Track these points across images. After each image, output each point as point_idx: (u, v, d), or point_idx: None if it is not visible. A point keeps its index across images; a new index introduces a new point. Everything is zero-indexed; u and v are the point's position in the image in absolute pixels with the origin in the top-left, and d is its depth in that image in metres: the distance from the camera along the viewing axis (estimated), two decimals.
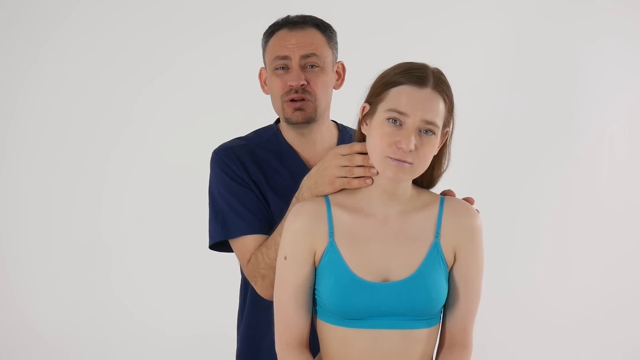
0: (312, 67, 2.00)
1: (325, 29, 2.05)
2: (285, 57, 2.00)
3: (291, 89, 1.99)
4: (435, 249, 1.71)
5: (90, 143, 3.75)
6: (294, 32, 2.01)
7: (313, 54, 2.00)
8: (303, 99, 1.99)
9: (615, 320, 4.01)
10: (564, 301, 4.00)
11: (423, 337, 1.71)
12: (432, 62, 1.70)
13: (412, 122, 1.63)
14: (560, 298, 3.99)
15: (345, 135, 2.12)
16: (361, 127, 1.73)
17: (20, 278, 3.77)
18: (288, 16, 2.06)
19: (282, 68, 2.01)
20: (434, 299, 1.69)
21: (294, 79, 1.99)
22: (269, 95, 2.08)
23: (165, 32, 3.72)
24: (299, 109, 2.00)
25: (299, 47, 1.99)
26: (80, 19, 3.69)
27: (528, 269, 3.97)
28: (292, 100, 2.00)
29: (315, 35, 2.02)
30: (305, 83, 1.99)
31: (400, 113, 1.63)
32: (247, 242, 1.97)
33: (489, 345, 3.41)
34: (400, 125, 1.63)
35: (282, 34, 2.02)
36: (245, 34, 3.66)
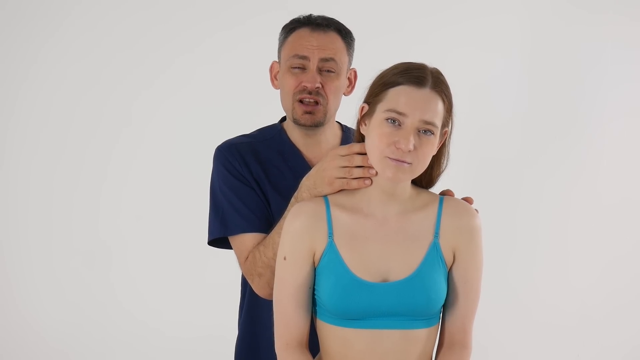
0: (328, 71, 2.00)
1: (346, 35, 2.05)
2: (304, 57, 1.99)
3: (304, 89, 1.99)
4: (435, 249, 1.71)
5: (90, 143, 3.75)
6: (316, 33, 2.00)
7: (332, 59, 1.99)
8: (315, 102, 1.99)
9: (615, 320, 4.01)
10: (563, 301, 4.00)
11: (422, 337, 1.71)
12: (431, 63, 1.70)
13: (410, 122, 1.63)
14: (560, 298, 3.99)
15: (348, 135, 2.12)
16: (360, 127, 1.73)
17: (20, 278, 3.77)
18: (310, 15, 2.05)
19: (299, 67, 2.00)
20: (433, 299, 1.69)
21: (310, 80, 1.98)
22: (278, 90, 2.08)
23: (164, 31, 3.72)
24: (309, 112, 2.00)
25: (319, 50, 1.98)
26: (79, 19, 3.69)
27: (528, 269, 3.97)
28: (302, 101, 2.00)
29: (336, 41, 2.02)
30: (320, 86, 1.98)
31: (399, 113, 1.63)
32: (246, 239, 1.97)
33: (489, 346, 3.40)
34: (399, 125, 1.63)
35: (303, 32, 2.01)
36: (244, 33, 3.68)
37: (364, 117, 1.71)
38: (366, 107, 1.70)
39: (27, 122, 3.72)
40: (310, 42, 1.99)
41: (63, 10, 3.69)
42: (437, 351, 1.78)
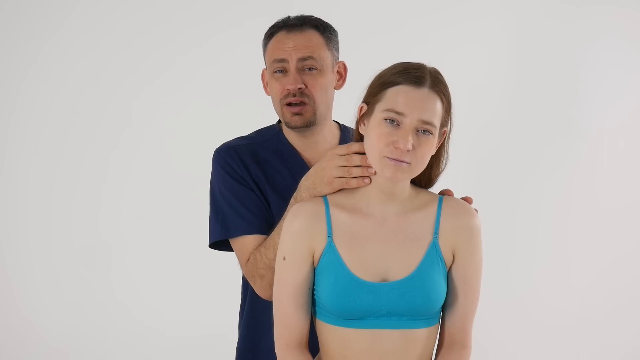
0: (310, 69, 2.00)
1: (324, 30, 2.04)
2: (282, 60, 2.00)
3: (289, 93, 1.99)
4: (434, 249, 1.71)
5: (90, 143, 3.76)
6: (292, 34, 2.00)
7: (310, 57, 1.99)
8: (302, 103, 1.99)
9: (615, 320, 4.00)
10: (563, 301, 4.00)
11: (422, 336, 1.71)
12: (430, 62, 1.70)
13: (409, 122, 1.63)
14: (560, 298, 3.99)
15: (347, 135, 2.11)
16: (359, 127, 1.73)
17: (20, 278, 3.77)
18: (288, 17, 2.05)
19: (281, 71, 2.01)
20: (432, 298, 1.69)
21: (291, 82, 1.98)
22: (270, 97, 2.08)
23: (164, 32, 3.72)
24: (298, 114, 2.00)
25: (296, 50, 1.99)
26: (80, 19, 3.69)
27: (528, 269, 3.97)
28: (290, 104, 2.00)
29: (314, 37, 2.01)
30: (303, 86, 1.99)
31: (398, 113, 1.63)
32: (247, 241, 1.97)
33: (488, 346, 3.41)
34: (398, 125, 1.63)
35: (280, 36, 2.02)
36: (244, 34, 3.66)
37: (362, 117, 1.71)
38: (365, 107, 1.70)
39: (27, 122, 3.72)
40: (286, 44, 1.99)
41: (63, 10, 3.70)
42: (437, 351, 1.78)
